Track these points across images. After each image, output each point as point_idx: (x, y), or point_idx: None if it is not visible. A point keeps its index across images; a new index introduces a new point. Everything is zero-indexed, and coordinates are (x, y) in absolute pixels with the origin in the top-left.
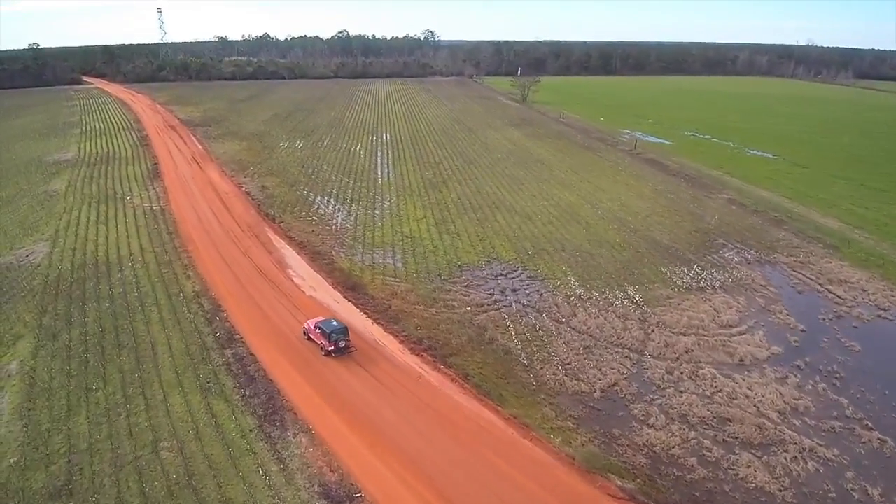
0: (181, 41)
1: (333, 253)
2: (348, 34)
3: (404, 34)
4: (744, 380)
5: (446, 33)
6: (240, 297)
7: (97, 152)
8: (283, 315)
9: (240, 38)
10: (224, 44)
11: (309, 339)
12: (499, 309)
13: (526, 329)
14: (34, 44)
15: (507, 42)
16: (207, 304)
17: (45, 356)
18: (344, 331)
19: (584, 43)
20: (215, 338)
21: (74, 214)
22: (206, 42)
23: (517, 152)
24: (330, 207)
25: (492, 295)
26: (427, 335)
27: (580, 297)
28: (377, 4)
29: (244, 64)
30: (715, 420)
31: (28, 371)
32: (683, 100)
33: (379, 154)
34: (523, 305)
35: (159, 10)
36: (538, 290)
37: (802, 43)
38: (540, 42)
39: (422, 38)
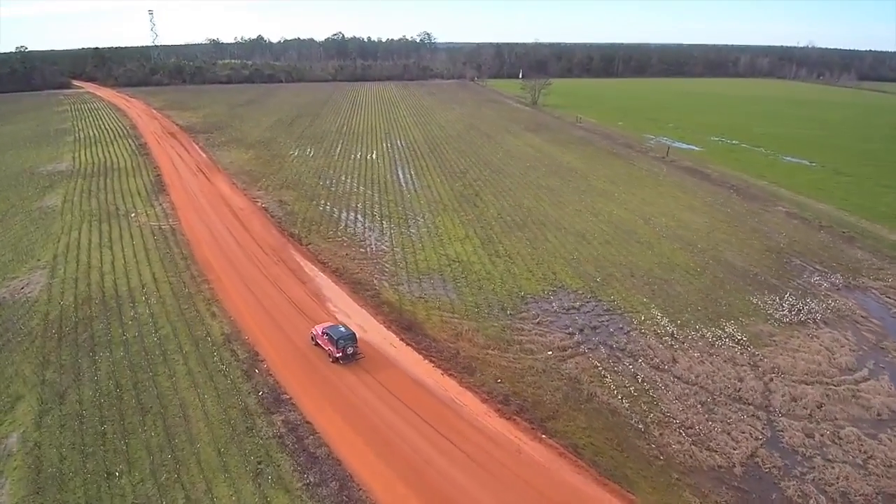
0: (173, 44)
1: (375, 282)
2: (343, 36)
3: (400, 36)
4: (891, 440)
5: (443, 36)
6: (278, 341)
7: (94, 162)
8: (333, 365)
9: (232, 41)
10: (216, 46)
11: (317, 344)
12: (584, 353)
13: (625, 380)
14: (21, 47)
15: (507, 44)
16: (242, 352)
17: (52, 426)
18: (352, 337)
19: (585, 45)
20: (258, 398)
21: (74, 236)
22: (197, 44)
23: (544, 160)
24: (359, 225)
25: (571, 334)
26: (512, 390)
27: (673, 335)
28: (372, 6)
29: (239, 67)
30: (881, 499)
31: (32, 448)
32: (695, 103)
33: (398, 163)
34: (611, 348)
35: (151, 13)
36: (622, 328)
37: (803, 45)
38: (541, 44)
39: (418, 41)
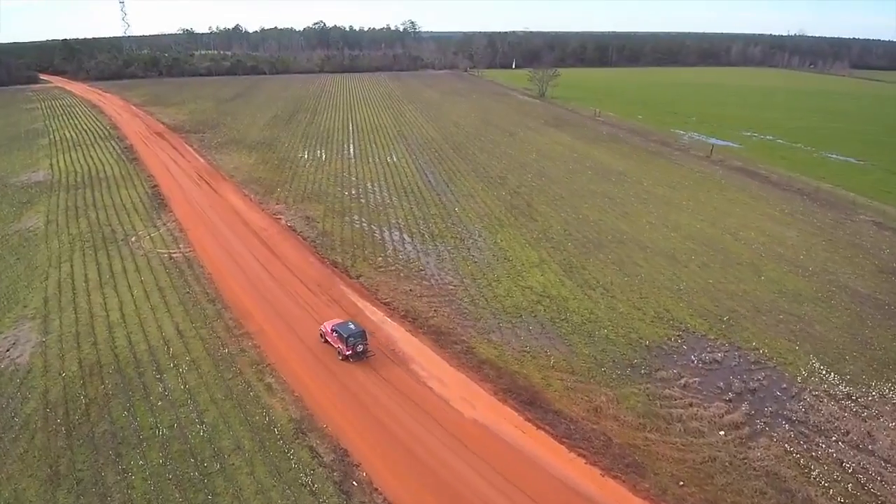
0: (145, 34)
1: (460, 330)
2: (325, 25)
3: (383, 25)
4: None
5: (427, 24)
6: (367, 429)
7: (75, 171)
8: (458, 470)
9: (207, 31)
10: (191, 37)
11: (326, 342)
12: (764, 431)
13: (834, 471)
14: None
15: (499, 33)
16: (324, 449)
17: None
18: (362, 334)
19: (577, 34)
20: None
21: (65, 270)
22: (171, 35)
23: (584, 161)
24: (409, 248)
25: (732, 402)
26: (706, 499)
27: (850, 397)
28: None
29: (220, 58)
30: None
31: None
32: (708, 94)
33: (424, 166)
34: (792, 421)
35: (122, 2)
36: (786, 389)
37: (794, 33)
38: (534, 33)
39: (402, 30)
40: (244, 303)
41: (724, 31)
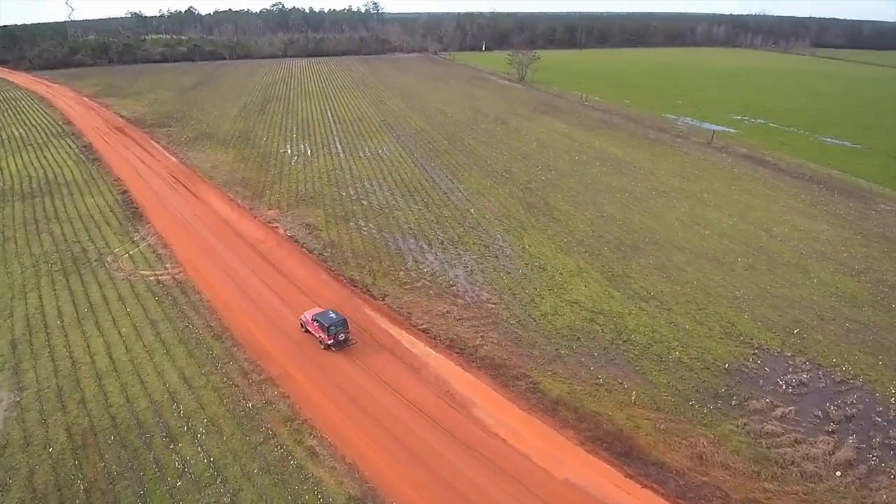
0: (90, 18)
1: (517, 361)
2: (283, 6)
3: (345, 7)
4: None
5: (390, 6)
6: (446, 501)
7: (29, 175)
8: None
9: (157, 14)
10: (140, 20)
11: (307, 331)
12: (881, 468)
13: None
14: None
15: (468, 14)
16: None
17: None
18: (343, 322)
19: (545, 14)
20: None
21: (33, 303)
22: (118, 19)
23: (587, 151)
24: (431, 258)
25: (833, 433)
26: None
27: None
28: None
29: (174, 43)
30: None
31: None
32: (687, 76)
33: (421, 160)
34: None
35: None
36: (883, 412)
37: (756, 13)
38: (502, 14)
39: (363, 11)
40: (257, 337)
41: (687, 10)
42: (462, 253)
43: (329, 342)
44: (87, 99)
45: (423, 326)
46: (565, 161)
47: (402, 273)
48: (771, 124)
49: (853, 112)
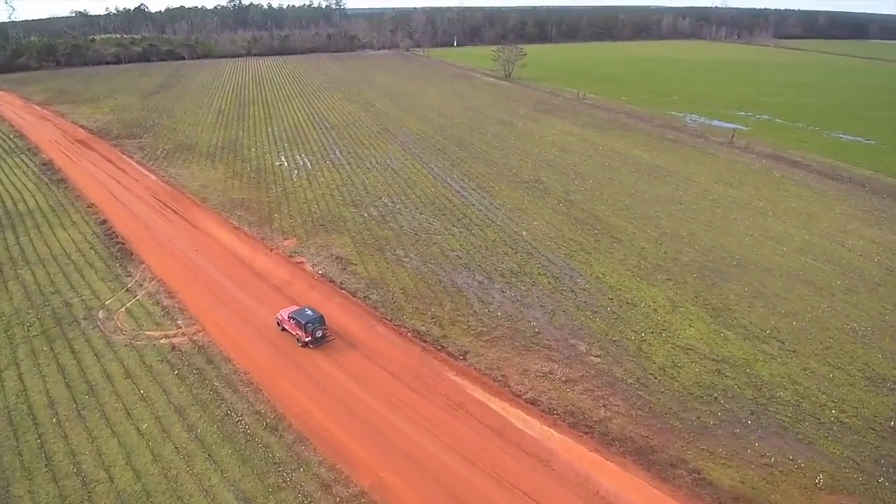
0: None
1: (658, 437)
2: (240, 2)
3: (305, 3)
4: None
5: (352, 0)
6: None
7: None
8: None
9: (104, 12)
10: (86, 19)
11: (283, 329)
12: None
13: None
14: None
15: (437, 9)
16: None
17: None
18: (320, 320)
19: (515, 9)
20: None
21: (13, 387)
22: (62, 18)
23: (612, 156)
24: (498, 296)
25: None
26: None
27: None
28: None
29: (128, 42)
30: None
31: None
32: (673, 70)
33: (438, 170)
34: None
35: None
36: None
37: (718, 5)
38: (473, 8)
39: (325, 7)
40: (326, 426)
41: (651, 4)
42: (531, 288)
43: (307, 339)
44: (37, 107)
45: (529, 395)
46: (594, 167)
47: (472, 319)
48: (777, 120)
49: (846, 105)
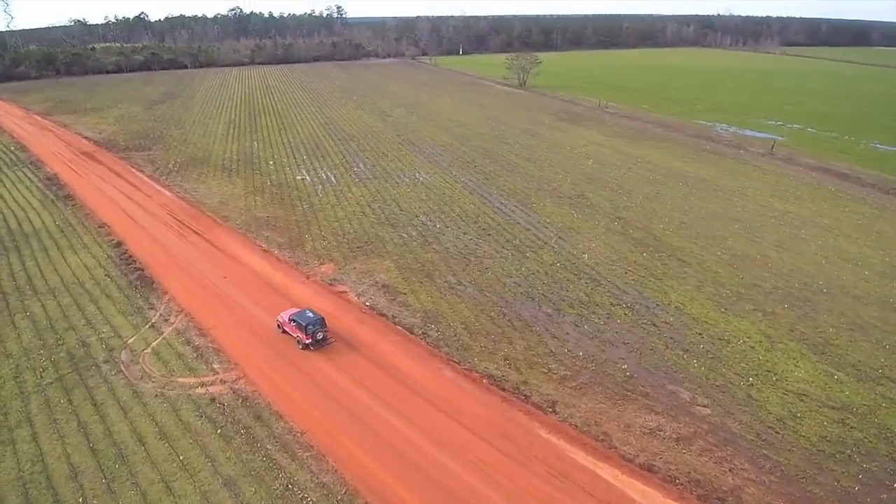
0: (30, 28)
1: None
2: (241, 11)
3: (306, 11)
4: None
5: (352, 9)
6: None
7: None
8: None
9: (104, 21)
10: (85, 28)
11: (284, 332)
12: None
13: None
14: None
15: (441, 17)
16: None
17: None
18: (321, 321)
19: (520, 17)
20: None
21: (25, 450)
22: (61, 27)
23: (654, 169)
24: (573, 331)
25: None
26: None
27: None
28: None
29: (129, 51)
30: None
31: None
32: (681, 77)
33: (473, 185)
34: None
35: None
36: None
37: (722, 13)
38: (478, 17)
39: (326, 15)
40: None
41: (654, 12)
42: (606, 321)
43: (307, 341)
44: (38, 117)
45: (642, 459)
46: (637, 181)
47: (550, 360)
48: (809, 129)
49: (873, 113)
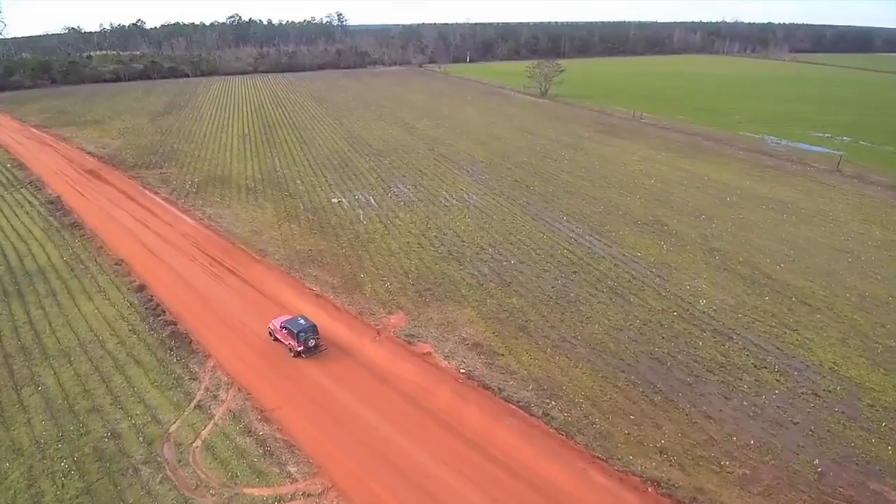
0: (23, 35)
1: None
2: (240, 18)
3: (305, 19)
4: None
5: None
6: None
7: None
8: None
9: (98, 29)
10: (80, 36)
11: (275, 339)
12: None
13: None
14: None
15: (447, 25)
16: None
17: None
18: (313, 329)
19: (526, 24)
20: None
21: None
22: (55, 35)
23: (721, 187)
24: (725, 407)
25: None
26: None
27: None
28: None
29: (128, 59)
30: None
31: None
32: (702, 85)
33: (532, 209)
34: None
35: None
36: None
37: (729, 20)
38: (485, 24)
39: (326, 23)
40: None
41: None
42: (758, 390)
43: (299, 349)
44: (35, 130)
45: None
46: (711, 203)
47: (715, 451)
48: (861, 142)
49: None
